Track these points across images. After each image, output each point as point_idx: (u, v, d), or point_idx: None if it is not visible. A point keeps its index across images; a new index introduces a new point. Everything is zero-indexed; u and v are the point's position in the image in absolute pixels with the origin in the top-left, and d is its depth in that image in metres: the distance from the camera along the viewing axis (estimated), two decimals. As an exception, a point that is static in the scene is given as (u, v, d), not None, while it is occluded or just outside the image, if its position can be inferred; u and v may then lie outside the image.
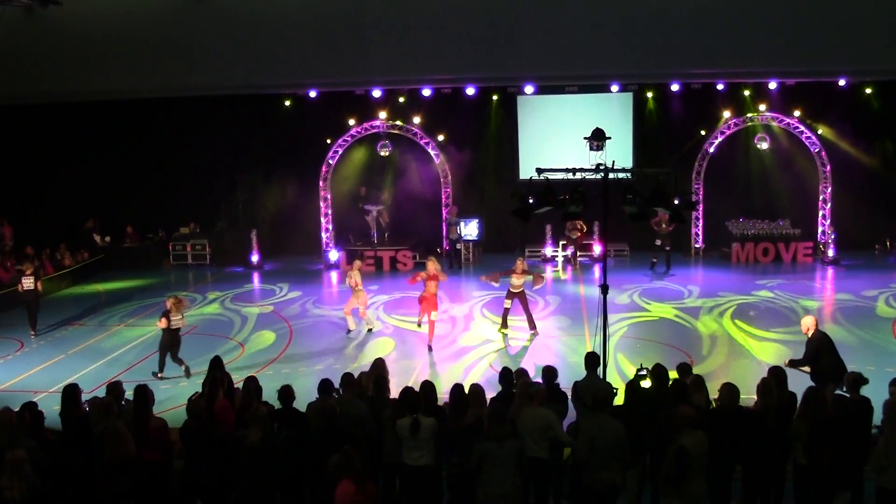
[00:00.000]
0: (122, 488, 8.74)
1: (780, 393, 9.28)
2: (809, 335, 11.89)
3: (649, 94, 25.78)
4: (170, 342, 15.48)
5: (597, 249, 25.44)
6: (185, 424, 9.44)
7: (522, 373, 10.18)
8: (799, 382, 10.26)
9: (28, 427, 9.21)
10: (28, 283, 18.93)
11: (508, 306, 17.86)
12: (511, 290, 17.67)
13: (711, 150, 25.99)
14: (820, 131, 25.27)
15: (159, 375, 15.42)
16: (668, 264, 23.93)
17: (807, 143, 25.43)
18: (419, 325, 17.86)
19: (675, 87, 24.64)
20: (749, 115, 25.48)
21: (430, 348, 16.97)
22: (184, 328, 15.96)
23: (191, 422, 9.38)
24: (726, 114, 25.56)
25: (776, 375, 9.53)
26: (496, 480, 8.34)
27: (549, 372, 10.29)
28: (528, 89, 25.07)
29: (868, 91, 24.37)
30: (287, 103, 25.66)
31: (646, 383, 10.03)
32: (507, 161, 26.93)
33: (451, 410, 9.21)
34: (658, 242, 23.84)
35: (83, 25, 18.17)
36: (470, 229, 25.81)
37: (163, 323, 15.37)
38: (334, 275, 25.24)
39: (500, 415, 8.56)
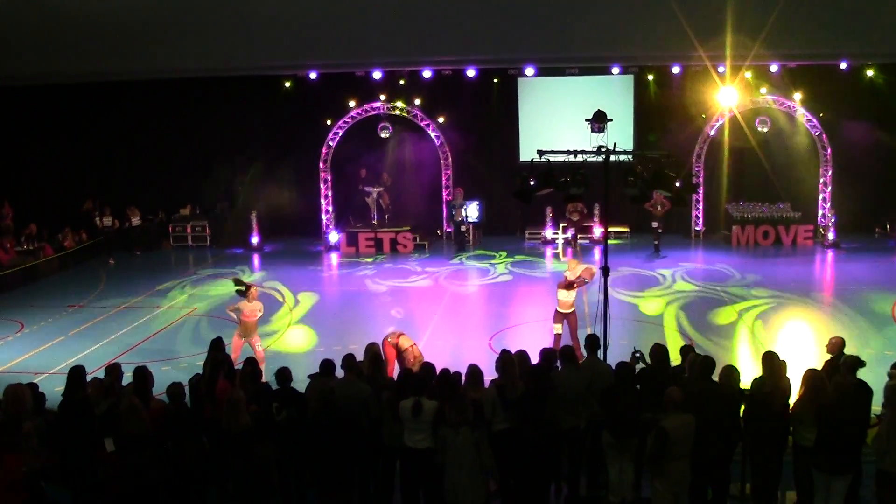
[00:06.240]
0: (141, 465, 8.72)
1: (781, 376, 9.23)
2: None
3: (650, 77, 25.69)
4: None
5: (597, 231, 25.44)
6: (167, 408, 9.40)
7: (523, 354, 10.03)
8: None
9: (31, 408, 9.19)
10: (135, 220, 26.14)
11: (560, 332, 14.77)
12: (559, 310, 14.92)
13: (712, 132, 25.93)
14: (821, 114, 25.20)
15: None
16: (658, 247, 24.09)
17: (807, 126, 25.35)
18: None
19: (675, 70, 24.54)
20: (750, 97, 25.38)
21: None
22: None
23: (172, 405, 9.35)
24: (725, 96, 25.43)
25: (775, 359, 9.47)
26: (454, 468, 8.39)
27: (549, 354, 10.26)
28: (529, 71, 24.97)
29: (870, 74, 24.25)
30: (287, 84, 25.56)
31: (639, 366, 10.01)
32: (507, 143, 26.86)
33: (438, 393, 9.19)
34: (654, 225, 23.87)
35: (84, 6, 18.09)
36: (471, 211, 25.76)
37: None
38: (334, 256, 25.32)
39: (459, 401, 8.53)
